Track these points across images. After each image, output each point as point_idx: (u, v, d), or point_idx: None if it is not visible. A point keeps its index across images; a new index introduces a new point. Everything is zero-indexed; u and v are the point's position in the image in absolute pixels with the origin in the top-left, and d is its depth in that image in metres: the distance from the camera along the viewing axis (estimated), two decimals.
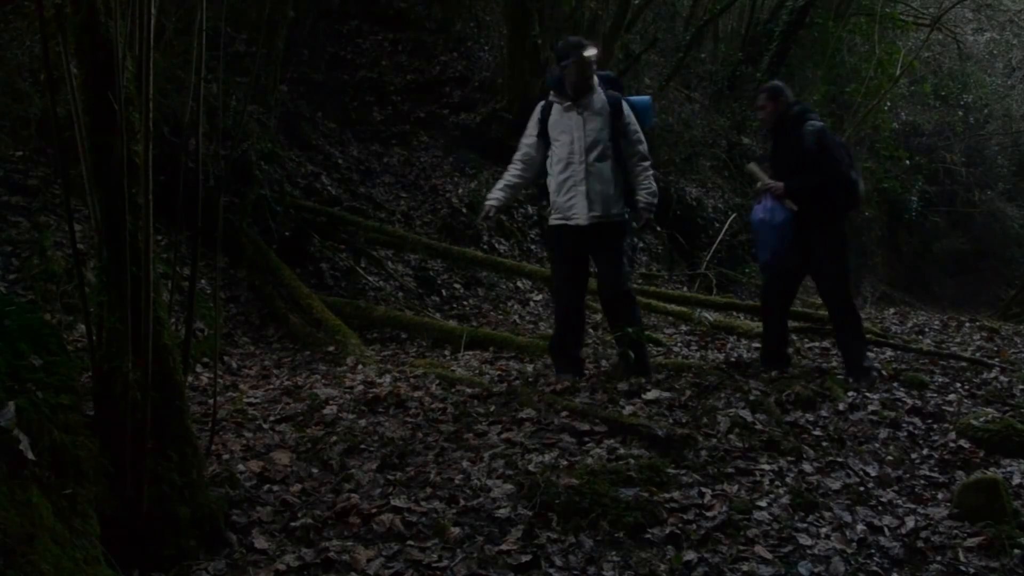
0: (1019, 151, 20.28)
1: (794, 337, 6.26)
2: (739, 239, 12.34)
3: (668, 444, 3.91)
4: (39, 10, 2.46)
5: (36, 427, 2.28)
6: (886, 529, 3.29)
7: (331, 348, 6.29)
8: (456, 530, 3.10)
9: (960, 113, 18.87)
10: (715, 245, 11.67)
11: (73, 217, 2.65)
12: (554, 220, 5.08)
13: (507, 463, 3.74)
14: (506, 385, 5.00)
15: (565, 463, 3.70)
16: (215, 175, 5.04)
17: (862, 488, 3.67)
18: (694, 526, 3.21)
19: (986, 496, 3.35)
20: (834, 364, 5.58)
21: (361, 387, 5.08)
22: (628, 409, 4.39)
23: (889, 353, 6.14)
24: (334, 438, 4.01)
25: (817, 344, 6.45)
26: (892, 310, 8.88)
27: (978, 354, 6.15)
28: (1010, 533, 3.15)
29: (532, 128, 5.12)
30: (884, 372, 5.35)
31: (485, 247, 9.42)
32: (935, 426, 4.46)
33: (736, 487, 3.59)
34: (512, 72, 11.17)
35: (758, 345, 6.01)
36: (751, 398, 4.55)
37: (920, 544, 3.16)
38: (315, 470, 3.69)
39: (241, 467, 3.60)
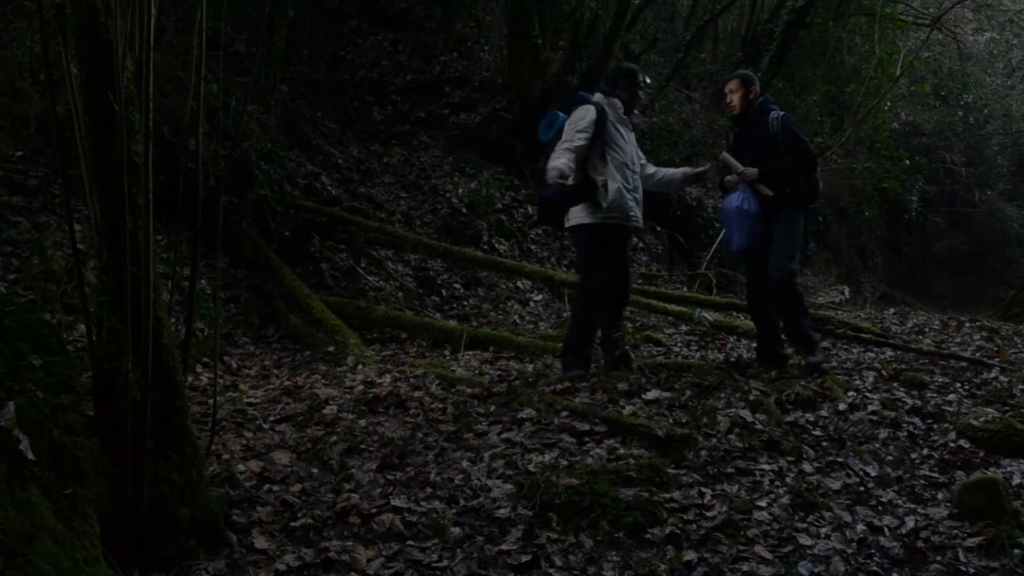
0: (1019, 151, 20.28)
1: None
2: None
3: (668, 444, 3.91)
4: (39, 10, 2.46)
5: (36, 427, 2.28)
6: (886, 529, 3.29)
7: (331, 348, 6.29)
8: (456, 530, 3.10)
9: (960, 113, 18.87)
10: (715, 245, 11.66)
11: (73, 217, 2.65)
12: (612, 220, 5.20)
13: (507, 463, 3.73)
14: (506, 385, 5.00)
15: (565, 463, 3.70)
16: (215, 175, 5.04)
17: (862, 488, 3.67)
18: (694, 526, 3.21)
19: (986, 496, 3.35)
20: (834, 364, 5.58)
21: (361, 387, 5.07)
22: (628, 409, 4.39)
23: (889, 353, 6.14)
24: (334, 438, 4.00)
25: None
26: (892, 310, 8.88)
27: (978, 354, 6.14)
28: (1010, 533, 3.15)
29: (589, 127, 5.20)
30: (885, 372, 5.35)
31: (485, 247, 9.41)
32: (935, 426, 4.46)
33: (736, 487, 3.59)
34: (512, 72, 11.17)
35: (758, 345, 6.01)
36: (751, 398, 4.55)
37: (920, 544, 3.16)
38: (315, 470, 3.68)
39: (241, 467, 3.60)
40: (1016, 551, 3.06)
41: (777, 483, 3.65)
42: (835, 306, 9.04)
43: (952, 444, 4.14)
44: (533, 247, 9.96)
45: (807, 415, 4.49)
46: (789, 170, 5.27)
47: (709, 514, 3.30)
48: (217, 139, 6.33)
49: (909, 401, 4.81)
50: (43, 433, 2.29)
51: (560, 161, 4.99)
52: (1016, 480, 3.72)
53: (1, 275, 5.19)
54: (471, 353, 6.27)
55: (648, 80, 5.68)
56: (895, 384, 5.14)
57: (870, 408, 4.63)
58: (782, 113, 5.36)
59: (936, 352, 6.10)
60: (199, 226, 3.14)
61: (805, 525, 3.28)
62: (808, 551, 3.08)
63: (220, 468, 3.48)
